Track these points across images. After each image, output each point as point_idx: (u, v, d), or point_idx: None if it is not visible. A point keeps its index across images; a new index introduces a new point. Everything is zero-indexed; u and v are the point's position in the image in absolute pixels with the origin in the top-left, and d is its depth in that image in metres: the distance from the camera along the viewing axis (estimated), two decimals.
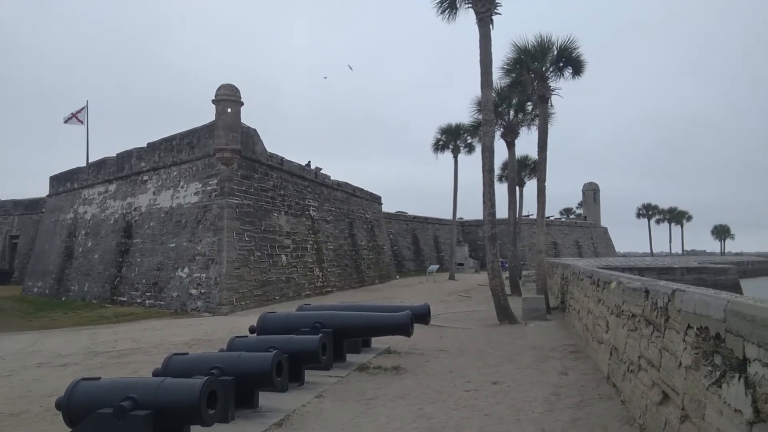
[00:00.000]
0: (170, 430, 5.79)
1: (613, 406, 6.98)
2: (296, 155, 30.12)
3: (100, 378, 6.38)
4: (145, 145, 30.62)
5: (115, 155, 33.35)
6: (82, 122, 41.98)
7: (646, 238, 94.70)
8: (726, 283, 35.28)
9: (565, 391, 7.94)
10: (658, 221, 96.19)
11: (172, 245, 26.37)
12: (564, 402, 7.40)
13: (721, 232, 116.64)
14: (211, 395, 5.78)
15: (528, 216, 53.09)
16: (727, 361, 3.50)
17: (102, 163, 34.71)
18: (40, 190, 45.37)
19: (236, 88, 25.35)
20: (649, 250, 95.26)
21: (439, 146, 43.17)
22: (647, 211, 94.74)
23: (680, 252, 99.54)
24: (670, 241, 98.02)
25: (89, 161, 38.53)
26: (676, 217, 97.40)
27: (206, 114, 27.68)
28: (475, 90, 19.61)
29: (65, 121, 41.71)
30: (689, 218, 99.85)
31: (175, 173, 28.07)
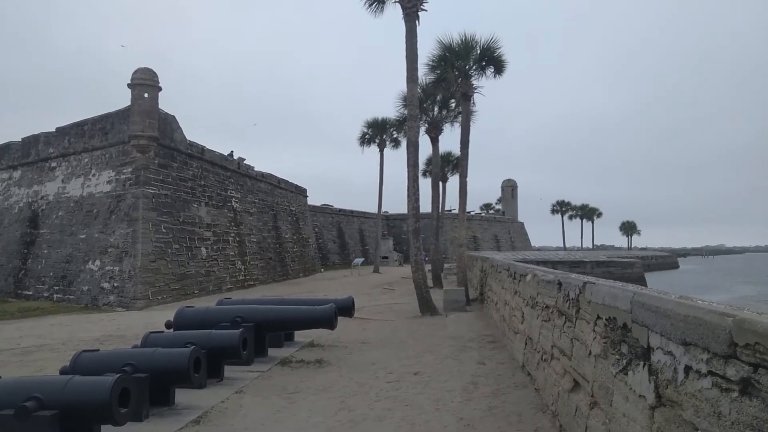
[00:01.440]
0: (79, 431, 5.50)
1: (528, 393, 7.26)
2: (213, 145, 29.02)
3: (0, 377, 5.95)
4: (54, 130, 28.80)
5: (20, 140, 31.14)
6: None
7: (560, 233, 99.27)
8: (632, 276, 37.61)
9: (483, 380, 8.18)
10: (570, 217, 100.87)
11: (83, 236, 24.99)
12: (481, 391, 7.63)
13: (629, 228, 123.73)
14: (124, 393, 5.53)
15: (450, 210, 54.24)
16: (633, 349, 3.71)
17: (5, 148, 32.30)
18: None
19: (153, 72, 24.29)
20: (562, 245, 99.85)
21: (365, 140, 43.25)
22: (561, 208, 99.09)
23: (591, 246, 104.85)
24: (582, 236, 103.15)
25: None
26: (588, 213, 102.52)
27: (122, 99, 26.35)
28: (401, 85, 19.77)
29: None
30: (599, 215, 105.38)
31: (86, 160, 26.58)
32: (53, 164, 28.39)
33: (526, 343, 8.31)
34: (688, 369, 2.82)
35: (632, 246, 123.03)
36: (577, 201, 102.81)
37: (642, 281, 37.25)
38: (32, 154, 29.92)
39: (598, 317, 4.55)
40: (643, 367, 3.47)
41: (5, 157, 32.04)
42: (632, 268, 40.83)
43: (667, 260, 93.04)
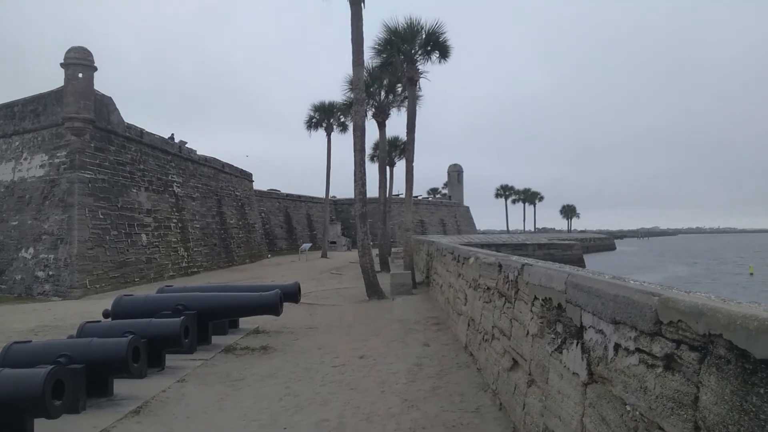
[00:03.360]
0: (10, 425, 5.28)
1: (470, 373, 7.43)
2: (148, 128, 28.02)
3: None
4: None
5: None
6: None
7: (504, 216, 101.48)
8: (572, 258, 38.87)
9: (427, 362, 8.31)
10: (513, 201, 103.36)
11: (15, 223, 23.80)
12: (426, 372, 7.75)
13: (568, 212, 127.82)
14: (57, 385, 5.33)
15: (398, 195, 54.54)
16: (567, 329, 3.84)
17: None
18: None
19: (88, 51, 23.22)
20: (506, 228, 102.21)
21: (312, 124, 42.75)
22: (504, 192, 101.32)
23: (533, 230, 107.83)
24: (524, 220, 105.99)
25: None
26: (530, 197, 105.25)
27: (54, 79, 25.10)
28: (348, 68, 19.61)
29: None
30: (541, 198, 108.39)
31: (17, 143, 25.25)
32: None
33: (468, 325, 8.48)
34: (617, 347, 2.94)
35: (572, 229, 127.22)
36: (520, 185, 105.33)
37: (581, 263, 38.58)
38: None
39: (536, 298, 4.68)
40: (577, 345, 3.59)
41: None
42: (572, 250, 42.16)
43: (605, 242, 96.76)
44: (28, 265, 22.56)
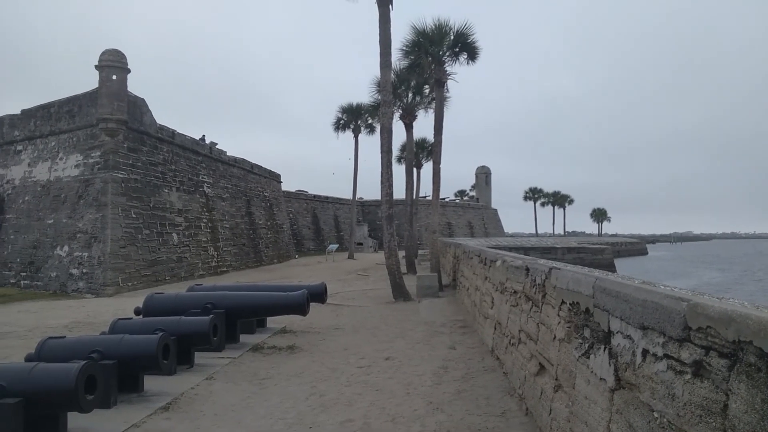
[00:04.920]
0: (44, 419, 5.43)
1: (496, 377, 7.39)
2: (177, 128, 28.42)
3: None
4: (19, 112, 28.00)
5: None
6: None
7: (532, 219, 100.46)
8: (602, 262, 38.30)
9: (453, 365, 8.29)
10: (543, 204, 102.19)
11: (50, 222, 24.46)
12: (451, 375, 7.73)
13: (599, 215, 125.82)
14: (90, 380, 5.47)
15: (425, 197, 54.42)
16: (595, 333, 3.79)
17: None
18: None
19: (122, 54, 23.74)
20: (534, 231, 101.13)
21: (340, 125, 42.99)
22: (533, 194, 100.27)
23: (562, 233, 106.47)
24: (554, 223, 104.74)
25: None
26: (559, 200, 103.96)
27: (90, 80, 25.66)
28: (376, 70, 19.66)
29: None
30: (571, 201, 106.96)
31: (53, 143, 25.95)
32: (19, 147, 27.63)
33: (495, 328, 8.43)
34: (645, 352, 2.90)
35: (603, 232, 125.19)
36: (549, 188, 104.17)
37: (611, 267, 37.97)
38: None
39: (563, 302, 4.64)
40: (604, 350, 3.55)
41: None
42: (602, 254, 41.55)
43: (637, 247, 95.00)
44: (63, 262, 23.15)
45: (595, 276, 3.99)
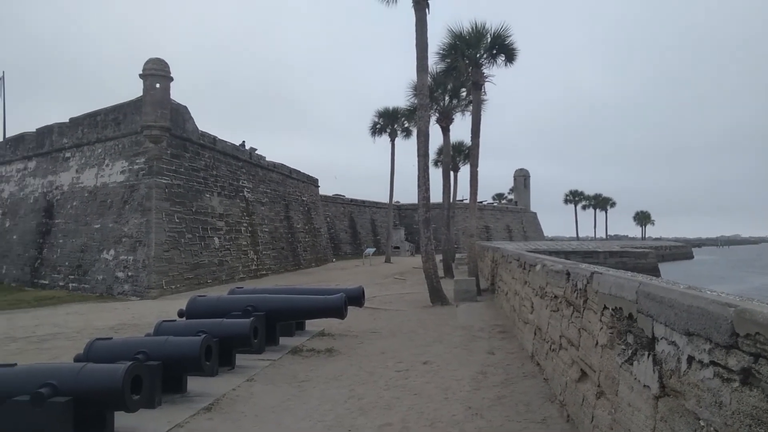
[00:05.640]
0: (92, 417, 5.61)
1: (536, 383, 7.29)
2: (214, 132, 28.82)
3: (16, 364, 6.08)
4: (68, 121, 29.05)
5: (34, 130, 31.46)
6: None
7: (573, 222, 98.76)
8: (646, 267, 37.35)
9: (492, 370, 8.21)
10: (584, 207, 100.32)
11: (97, 226, 25.26)
12: (490, 380, 7.66)
13: (643, 218, 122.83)
14: (136, 380, 5.62)
15: (462, 200, 54.11)
16: (638, 339, 3.72)
17: (20, 139, 32.66)
18: None
19: (165, 63, 24.38)
20: (575, 235, 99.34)
21: (376, 130, 43.17)
22: (574, 197, 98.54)
23: (604, 237, 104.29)
24: (595, 226, 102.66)
25: (6, 136, 36.17)
26: (601, 203, 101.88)
27: (136, 90, 26.35)
28: (411, 73, 19.68)
29: None
30: (613, 204, 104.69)
31: (99, 150, 26.82)
32: (67, 154, 28.66)
33: (535, 333, 8.32)
34: (691, 359, 2.83)
35: (646, 236, 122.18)
36: (590, 190, 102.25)
37: (656, 272, 37.03)
38: (46, 144, 30.22)
39: (605, 307, 4.55)
40: (648, 357, 3.47)
41: (20, 148, 32.40)
42: (646, 258, 40.54)
43: (682, 250, 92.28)
44: (109, 266, 23.86)
45: (639, 281, 3.91)
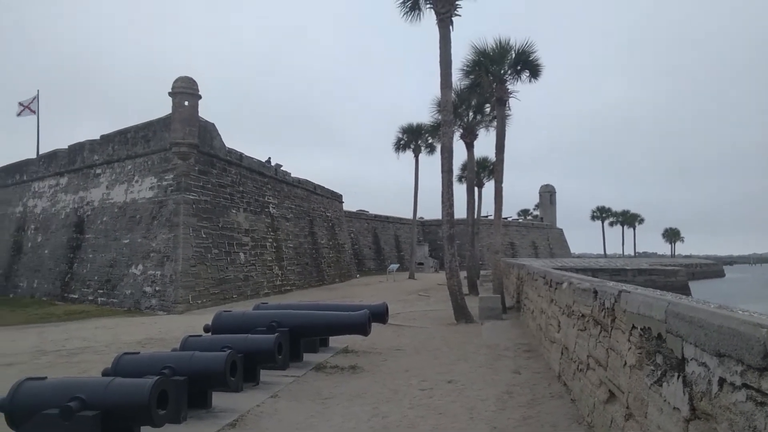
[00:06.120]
0: (120, 431, 5.67)
1: (564, 404, 7.16)
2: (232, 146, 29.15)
3: (46, 378, 6.19)
4: (99, 138, 29.77)
5: (66, 147, 32.31)
6: (33, 112, 40.57)
7: (600, 239, 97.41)
8: (675, 285, 36.54)
9: (518, 390, 8.10)
10: (611, 224, 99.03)
11: (126, 241, 25.72)
12: (516, 400, 7.55)
13: (672, 235, 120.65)
14: (162, 395, 5.68)
15: (486, 216, 53.84)
16: (668, 360, 3.64)
17: (53, 156, 33.58)
18: None
19: (194, 81, 24.88)
20: (602, 252, 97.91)
21: (400, 146, 43.36)
22: (601, 214, 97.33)
23: (632, 254, 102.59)
24: (623, 243, 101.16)
25: (40, 153, 37.21)
26: (629, 219, 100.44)
27: (164, 107, 26.89)
28: (432, 89, 19.76)
29: (18, 115, 40.28)
30: (641, 221, 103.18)
31: (129, 167, 27.39)
32: (98, 171, 29.33)
33: (562, 353, 8.20)
34: (722, 381, 2.76)
35: (676, 253, 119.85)
36: (617, 206, 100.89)
37: (686, 290, 36.22)
38: (78, 161, 30.98)
39: (633, 327, 4.48)
40: (678, 378, 3.40)
41: (52, 164, 33.27)
42: (676, 276, 39.70)
43: (713, 268, 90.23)
44: (137, 280, 24.23)
45: (668, 300, 3.84)
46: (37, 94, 40.86)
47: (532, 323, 13.03)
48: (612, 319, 5.22)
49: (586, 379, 6.27)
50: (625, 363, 4.66)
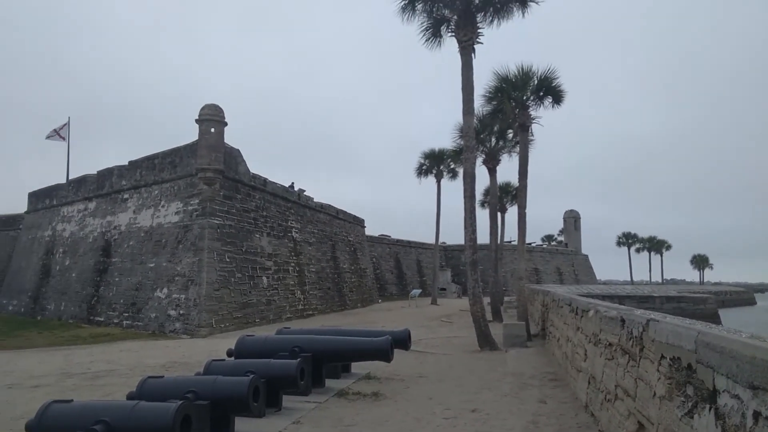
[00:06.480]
0: None
1: None
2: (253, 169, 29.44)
3: (72, 400, 6.26)
4: (127, 164, 30.43)
5: (95, 173, 33.07)
6: (63, 138, 41.67)
7: (627, 266, 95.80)
8: (705, 313, 35.63)
9: (544, 420, 7.94)
10: (638, 250, 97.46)
11: (152, 265, 26.06)
12: (543, 431, 7.40)
13: (700, 262, 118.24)
14: (185, 420, 5.70)
15: (510, 242, 53.35)
16: (699, 392, 3.55)
17: (82, 181, 34.39)
18: (19, 206, 44.76)
19: (220, 108, 25.38)
20: (629, 278, 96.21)
21: (422, 171, 43.49)
22: (627, 240, 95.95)
23: (660, 281, 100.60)
24: (650, 270, 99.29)
25: (69, 178, 38.14)
26: (655, 246, 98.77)
27: (190, 133, 27.42)
28: (444, 113, 19.86)
29: (47, 137, 41.38)
30: (668, 247, 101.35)
31: (156, 192, 27.88)
32: (125, 196, 29.91)
33: (589, 382, 8.03)
34: (757, 414, 2.68)
35: (704, 280, 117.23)
36: (644, 232, 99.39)
37: (716, 319, 35.32)
38: (106, 186, 31.66)
39: (662, 356, 4.38)
40: (710, 410, 3.31)
41: (82, 189, 34.05)
42: (705, 304, 38.73)
43: (743, 296, 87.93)
44: (162, 304, 24.47)
45: (698, 329, 3.76)
46: (68, 121, 42.03)
47: (558, 351, 12.81)
48: (640, 348, 5.12)
49: (615, 410, 6.12)
50: (655, 393, 4.55)
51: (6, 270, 42.94)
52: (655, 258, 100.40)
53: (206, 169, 24.83)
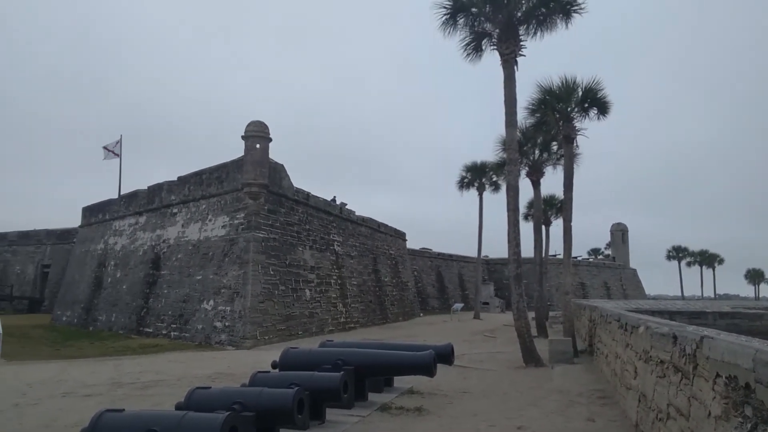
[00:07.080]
0: None
1: None
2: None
3: (123, 410, 6.44)
4: (176, 179, 31.31)
5: (146, 188, 34.14)
6: (117, 155, 43.27)
7: (677, 280, 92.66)
8: (762, 329, 34.04)
9: None
10: (688, 264, 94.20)
11: (199, 277, 26.65)
12: None
13: (755, 276, 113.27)
14: (232, 430, 5.78)
15: (554, 255, 52.48)
16: (758, 412, 3.41)
17: (133, 196, 35.55)
18: (74, 220, 46.56)
19: (265, 125, 25.91)
20: (680, 293, 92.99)
21: (464, 184, 43.28)
22: (677, 254, 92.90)
23: (712, 296, 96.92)
24: (702, 285, 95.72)
25: (121, 193, 39.50)
26: (707, 259, 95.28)
27: (236, 148, 28.05)
28: (484, 125, 19.73)
29: (104, 159, 43.11)
30: (721, 261, 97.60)
31: (203, 206, 28.58)
32: (174, 210, 30.75)
33: (639, 400, 7.79)
34: None
35: (760, 296, 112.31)
36: (695, 246, 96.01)
37: None
38: (156, 201, 32.64)
39: (718, 375, 4.22)
40: None
41: (133, 204, 35.19)
42: (761, 320, 36.97)
43: None
44: (209, 316, 24.96)
45: (755, 347, 3.62)
46: (120, 139, 43.65)
47: (606, 368, 12.47)
48: (694, 366, 4.95)
49: (667, 429, 5.92)
50: (710, 413, 4.39)
51: (61, 282, 44.66)
52: (707, 272, 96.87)
53: (252, 183, 25.33)
